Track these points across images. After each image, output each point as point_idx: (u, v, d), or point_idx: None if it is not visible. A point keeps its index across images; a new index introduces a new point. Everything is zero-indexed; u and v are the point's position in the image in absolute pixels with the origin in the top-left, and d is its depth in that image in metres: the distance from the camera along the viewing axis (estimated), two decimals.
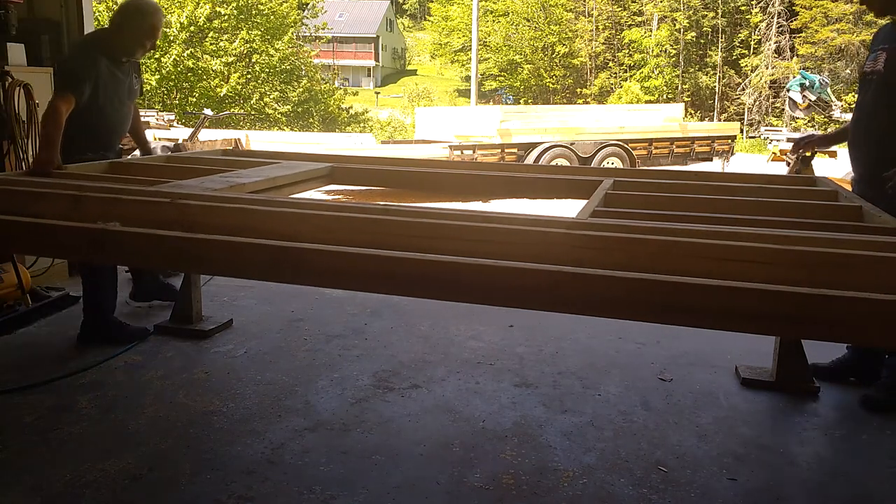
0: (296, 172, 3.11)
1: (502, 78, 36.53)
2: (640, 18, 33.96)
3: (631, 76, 32.91)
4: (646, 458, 2.43)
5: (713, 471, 2.36)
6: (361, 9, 49.43)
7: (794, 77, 18.49)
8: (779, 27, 30.27)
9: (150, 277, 3.92)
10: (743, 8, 32.56)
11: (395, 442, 2.52)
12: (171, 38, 20.11)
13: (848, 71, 25.39)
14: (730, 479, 2.31)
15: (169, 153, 6.82)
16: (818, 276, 1.57)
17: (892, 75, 2.65)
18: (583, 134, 12.24)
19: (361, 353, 3.36)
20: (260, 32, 22.58)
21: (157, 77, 20.31)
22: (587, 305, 1.69)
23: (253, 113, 22.32)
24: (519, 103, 31.03)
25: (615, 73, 34.33)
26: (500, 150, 11.54)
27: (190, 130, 9.94)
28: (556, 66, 35.23)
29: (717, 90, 32.66)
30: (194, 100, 20.80)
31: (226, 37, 21.95)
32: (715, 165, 12.91)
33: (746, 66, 31.69)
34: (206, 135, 10.69)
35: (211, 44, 21.65)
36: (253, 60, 22.70)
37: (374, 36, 48.62)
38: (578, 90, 34.91)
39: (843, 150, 3.24)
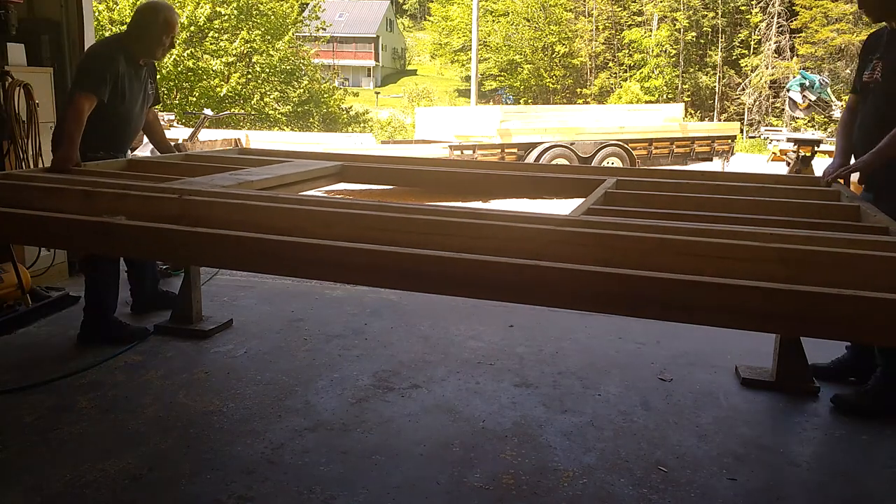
0: (305, 170, 3.14)
1: (502, 78, 36.53)
2: (640, 18, 33.97)
3: (631, 76, 32.92)
4: (646, 458, 2.43)
5: (713, 471, 2.36)
6: (361, 9, 49.42)
7: (794, 77, 18.48)
8: (779, 27, 30.28)
9: (150, 284, 3.90)
10: (743, 8, 32.57)
11: (395, 442, 2.52)
12: None
13: (848, 71, 25.37)
14: (730, 479, 2.31)
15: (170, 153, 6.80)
16: (804, 273, 1.59)
17: (889, 84, 2.68)
18: (583, 134, 12.24)
19: (361, 353, 3.36)
20: (260, 32, 22.57)
21: (158, 77, 20.28)
22: (562, 299, 1.69)
23: (253, 113, 22.32)
24: (519, 103, 31.02)
25: (615, 73, 34.33)
26: (500, 150, 11.55)
27: (190, 130, 9.94)
28: (556, 66, 35.23)
29: (717, 90, 32.67)
30: (194, 100, 20.79)
31: (226, 37, 21.94)
32: (715, 165, 12.91)
33: (746, 66, 31.70)
34: (205, 135, 10.69)
35: (211, 44, 21.65)
36: (253, 60, 22.69)
37: (374, 36, 48.61)
38: (578, 90, 34.91)
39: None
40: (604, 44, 34.86)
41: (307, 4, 26.41)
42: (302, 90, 24.84)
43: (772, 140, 13.52)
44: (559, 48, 34.82)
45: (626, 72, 33.75)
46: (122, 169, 3.14)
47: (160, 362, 3.19)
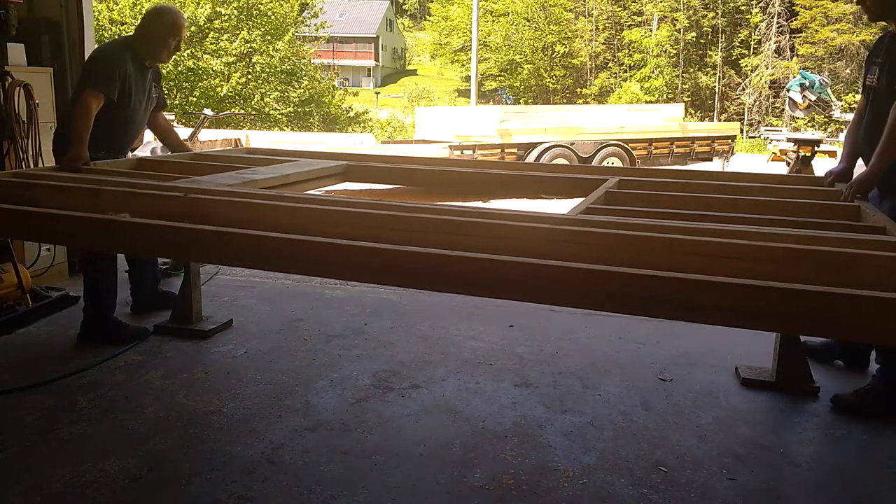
0: (310, 170, 3.19)
1: (502, 78, 36.53)
2: (640, 18, 33.97)
3: (631, 76, 32.92)
4: (646, 458, 2.43)
5: (713, 471, 2.36)
6: (361, 9, 49.42)
7: (794, 77, 18.48)
8: (779, 27, 30.28)
9: (150, 284, 3.91)
10: (743, 8, 32.57)
11: (395, 442, 2.52)
12: None
13: (848, 71, 25.39)
14: (730, 479, 2.31)
15: (169, 153, 6.83)
16: (800, 272, 1.60)
17: (885, 92, 2.71)
18: (583, 134, 12.24)
19: (361, 353, 3.36)
20: (260, 33, 22.57)
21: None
22: (556, 296, 1.71)
23: (253, 113, 22.32)
24: (519, 103, 31.02)
25: (615, 73, 34.33)
26: (500, 150, 11.55)
27: (190, 130, 9.94)
28: (556, 66, 35.24)
29: (717, 90, 32.66)
30: (194, 100, 20.79)
31: (226, 37, 21.94)
32: (715, 165, 12.91)
33: (746, 66, 31.70)
34: (205, 135, 10.69)
35: (211, 44, 21.65)
36: (253, 60, 22.69)
37: (374, 36, 48.61)
38: (578, 90, 34.92)
39: (839, 148, 3.27)
40: (604, 44, 34.86)
41: (307, 4, 26.40)
42: (302, 90, 24.83)
43: (772, 140, 13.51)
44: (559, 48, 34.82)
45: (626, 72, 33.75)
46: (131, 168, 3.21)
47: (160, 362, 3.19)
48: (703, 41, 33.78)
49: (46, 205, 2.25)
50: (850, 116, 10.27)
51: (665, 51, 31.70)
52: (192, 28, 20.74)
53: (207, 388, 2.94)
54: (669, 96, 30.67)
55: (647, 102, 27.46)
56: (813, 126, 21.01)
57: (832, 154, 10.75)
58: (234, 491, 2.18)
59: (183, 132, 11.08)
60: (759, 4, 31.00)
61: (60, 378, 2.98)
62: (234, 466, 2.32)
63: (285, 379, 3.03)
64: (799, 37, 28.82)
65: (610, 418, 2.73)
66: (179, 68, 20.42)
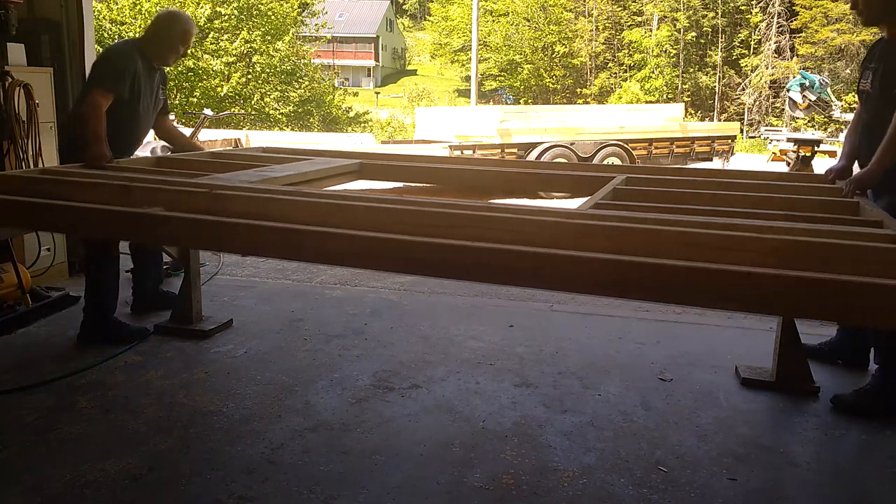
0: (325, 168, 3.29)
1: (502, 78, 36.53)
2: (640, 18, 33.97)
3: (631, 76, 32.91)
4: (646, 458, 2.42)
5: (713, 471, 2.36)
6: (361, 9, 49.42)
7: (794, 77, 18.47)
8: (779, 27, 30.28)
9: (152, 284, 3.91)
10: (743, 8, 32.57)
11: (395, 442, 2.52)
12: None
13: (848, 71, 25.37)
14: (730, 479, 2.31)
15: (169, 153, 6.87)
16: (800, 262, 1.67)
17: (880, 94, 2.78)
18: (583, 134, 12.23)
19: (361, 353, 3.36)
20: (260, 33, 22.57)
21: None
22: (565, 283, 1.80)
23: (253, 113, 22.32)
24: (519, 103, 31.00)
25: (615, 73, 34.33)
26: (500, 150, 11.54)
27: (190, 130, 9.94)
28: (556, 66, 35.24)
29: (717, 90, 32.66)
30: (195, 100, 20.80)
31: (226, 37, 21.95)
32: (715, 165, 12.89)
33: (746, 66, 31.70)
34: (205, 135, 10.68)
35: (211, 44, 21.66)
36: (253, 61, 22.69)
37: (374, 36, 48.62)
38: (578, 90, 34.92)
39: (839, 148, 3.34)
40: (604, 44, 34.86)
41: (307, 4, 26.41)
42: (302, 90, 24.83)
43: (772, 140, 13.51)
44: (559, 48, 34.82)
45: (626, 72, 33.75)
46: (152, 166, 3.32)
47: (160, 362, 3.19)
48: (703, 41, 33.78)
49: (76, 200, 2.36)
50: (849, 116, 10.28)
51: (665, 51, 31.70)
52: None
53: (207, 388, 2.94)
54: (669, 96, 30.67)
55: (647, 102, 27.45)
56: (813, 126, 21.02)
57: (832, 154, 10.75)
58: (234, 491, 2.18)
59: (183, 132, 11.06)
60: (759, 4, 31.00)
61: (60, 378, 2.98)
62: (234, 466, 2.32)
63: (285, 379, 3.03)
64: (799, 37, 28.82)
65: (610, 418, 2.73)
66: (179, 68, 20.41)
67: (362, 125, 28.15)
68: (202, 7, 20.80)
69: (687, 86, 32.73)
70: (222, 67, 21.74)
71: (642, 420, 2.72)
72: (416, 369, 3.17)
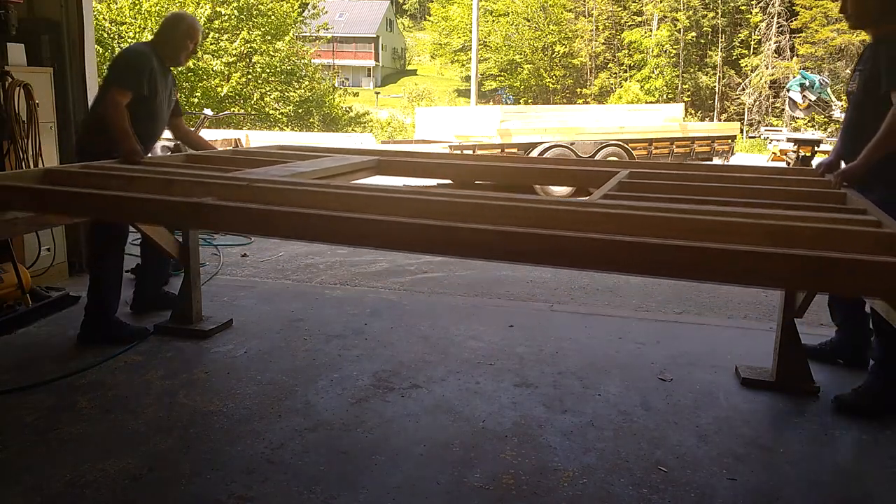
0: (347, 163, 3.44)
1: (502, 78, 36.53)
2: (640, 18, 33.97)
3: (631, 76, 32.92)
4: (646, 458, 2.43)
5: (713, 471, 2.36)
6: (361, 9, 49.42)
7: (794, 77, 18.47)
8: (779, 27, 30.28)
9: (152, 284, 3.91)
10: (743, 8, 32.57)
11: (394, 442, 2.52)
12: None
13: (848, 71, 25.33)
14: (730, 479, 2.31)
15: (169, 153, 6.92)
16: (793, 245, 1.84)
17: (863, 95, 2.89)
18: (583, 134, 12.22)
19: (361, 353, 3.36)
20: (260, 33, 22.58)
21: None
22: (586, 261, 1.96)
23: (253, 113, 22.33)
24: (519, 103, 31.00)
25: (615, 73, 34.34)
26: (500, 150, 11.53)
27: (190, 130, 9.95)
28: (556, 66, 35.24)
29: (717, 90, 32.66)
30: (195, 100, 20.80)
31: (226, 37, 21.95)
32: None
33: (746, 66, 31.70)
34: (205, 135, 10.68)
35: (211, 44, 21.66)
36: (253, 61, 22.69)
37: (374, 36, 48.61)
38: (578, 90, 34.92)
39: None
40: (604, 44, 34.86)
41: (307, 4, 26.41)
42: (303, 90, 24.84)
43: (772, 140, 13.53)
44: (559, 48, 34.82)
45: (626, 72, 33.75)
46: (182, 162, 3.44)
47: (160, 362, 3.19)
48: (703, 41, 33.77)
49: (126, 191, 2.55)
50: None
51: (665, 51, 31.69)
52: None
53: (207, 388, 2.94)
54: (669, 96, 30.68)
55: (647, 102, 27.45)
56: (813, 126, 21.01)
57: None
58: (234, 491, 2.18)
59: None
60: (759, 4, 31.00)
61: (60, 378, 2.98)
62: (234, 466, 2.32)
63: (285, 379, 3.03)
64: (799, 37, 28.82)
65: (610, 418, 2.73)
66: (179, 68, 20.42)
67: (362, 125, 28.15)
68: (202, 7, 20.80)
69: (687, 86, 32.73)
70: (222, 67, 21.74)
71: (642, 420, 2.72)
72: (416, 369, 3.17)
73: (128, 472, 2.27)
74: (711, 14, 32.81)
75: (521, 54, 35.30)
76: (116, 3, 19.86)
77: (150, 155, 3.55)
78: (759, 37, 31.32)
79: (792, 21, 29.52)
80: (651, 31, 32.76)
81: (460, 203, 2.21)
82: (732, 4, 32.79)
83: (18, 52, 4.07)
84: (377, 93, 42.39)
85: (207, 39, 21.53)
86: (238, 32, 22.04)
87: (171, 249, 3.50)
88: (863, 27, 2.98)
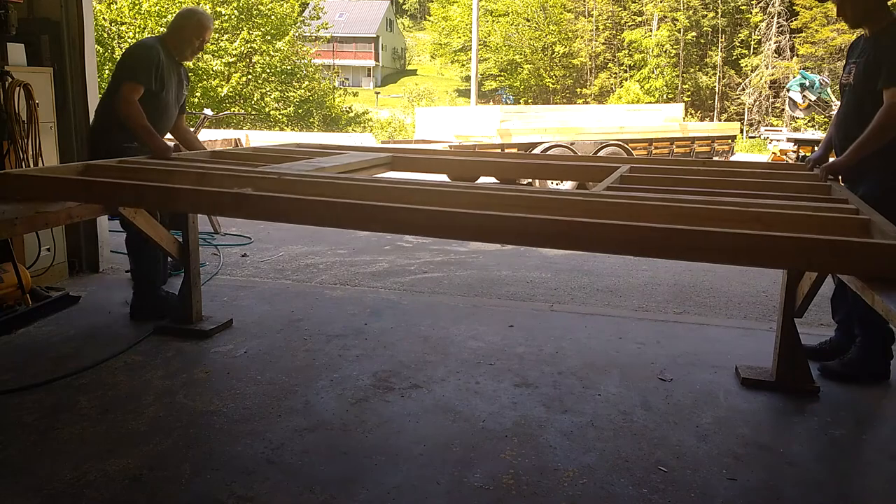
0: (364, 160, 3.59)
1: (502, 78, 36.54)
2: (640, 18, 33.98)
3: (631, 76, 32.91)
4: (646, 458, 2.42)
5: (713, 471, 2.36)
6: (361, 9, 49.42)
7: (794, 77, 18.46)
8: (779, 27, 30.28)
9: (149, 290, 3.85)
10: (743, 8, 32.58)
11: (394, 442, 2.52)
12: None
13: None
14: (730, 479, 2.31)
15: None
16: (779, 228, 2.01)
17: (860, 87, 2.96)
18: (583, 134, 12.23)
19: (361, 353, 3.36)
20: (261, 33, 22.58)
21: None
22: (593, 245, 2.08)
23: (253, 113, 22.33)
24: (519, 103, 31.01)
25: (615, 73, 34.34)
26: (500, 150, 11.54)
27: (189, 129, 9.95)
28: (556, 66, 35.25)
29: (717, 90, 32.67)
30: (195, 100, 20.80)
31: (226, 37, 21.95)
32: None
33: (746, 66, 31.71)
34: (205, 135, 10.70)
35: (211, 44, 21.65)
36: (253, 61, 22.70)
37: (374, 36, 48.61)
38: (578, 90, 34.94)
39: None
40: (604, 44, 34.87)
41: (307, 4, 26.42)
42: (303, 90, 24.84)
43: (772, 140, 13.52)
44: (559, 48, 34.83)
45: (626, 72, 33.75)
46: (208, 158, 3.60)
47: (160, 362, 3.19)
48: (703, 41, 33.79)
49: (164, 183, 2.73)
50: None
51: (665, 51, 31.70)
52: None
53: (207, 388, 2.94)
54: (669, 96, 30.68)
55: (647, 102, 27.45)
56: (813, 126, 21.00)
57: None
58: (234, 491, 2.18)
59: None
60: (759, 4, 31.01)
61: (60, 378, 2.98)
62: (234, 466, 2.32)
63: (285, 379, 3.03)
64: (799, 37, 28.83)
65: (610, 418, 2.73)
66: None
67: (362, 125, 28.16)
68: (202, 7, 20.80)
69: (687, 86, 32.74)
70: (222, 67, 21.74)
71: (642, 420, 2.72)
72: (416, 369, 3.17)
73: (128, 472, 2.26)
74: (711, 14, 32.81)
75: (521, 54, 35.31)
76: (116, 3, 19.86)
77: None
78: (759, 37, 31.33)
79: (792, 21, 29.53)
80: (651, 31, 32.76)
81: (480, 194, 2.41)
82: (732, 4, 32.80)
83: (18, 52, 4.08)
84: (377, 93, 42.38)
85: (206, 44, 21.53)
86: (238, 32, 22.04)
87: (170, 249, 3.51)
88: (861, 24, 3.02)
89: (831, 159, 3.12)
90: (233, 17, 21.71)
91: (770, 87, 29.52)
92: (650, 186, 2.76)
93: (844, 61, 3.23)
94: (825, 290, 3.07)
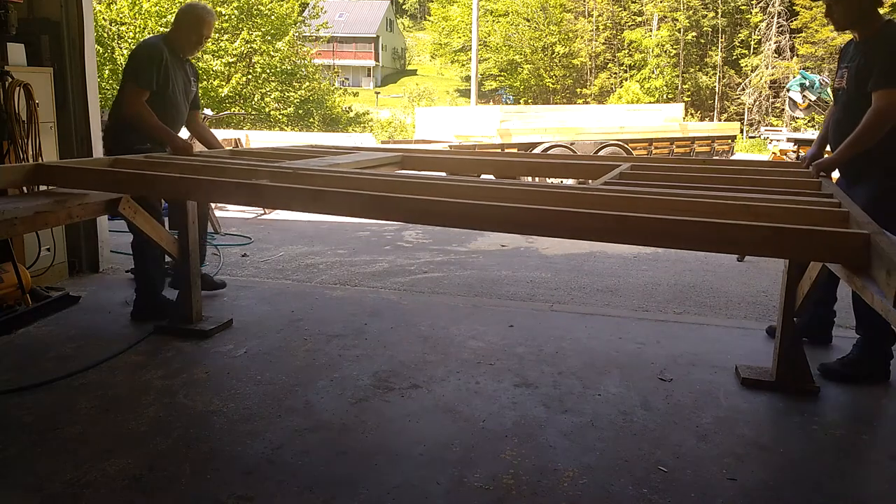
0: (375, 158, 3.72)
1: (502, 78, 36.54)
2: (640, 18, 33.98)
3: (631, 76, 32.92)
4: (646, 458, 2.42)
5: (713, 471, 2.36)
6: (361, 9, 49.42)
7: (794, 77, 18.47)
8: (779, 27, 30.29)
9: (151, 292, 3.84)
10: (743, 8, 32.59)
11: (394, 442, 2.52)
12: None
13: None
14: (730, 479, 2.31)
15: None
16: (771, 220, 2.09)
17: (854, 91, 3.04)
18: (583, 134, 12.24)
19: (361, 353, 3.36)
20: (261, 33, 22.57)
21: None
22: (591, 234, 2.16)
23: (253, 113, 22.32)
24: (519, 103, 31.01)
25: (615, 73, 34.35)
26: (500, 150, 11.53)
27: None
28: (556, 66, 35.26)
29: (717, 90, 32.67)
30: None
31: (226, 37, 21.93)
32: None
33: (746, 66, 31.71)
34: None
35: (212, 44, 21.64)
36: (253, 61, 22.68)
37: (374, 36, 48.61)
38: (578, 90, 34.94)
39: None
40: (604, 44, 34.87)
41: (307, 4, 26.40)
42: (303, 91, 24.83)
43: (772, 140, 13.52)
44: (559, 48, 34.84)
45: (626, 72, 33.76)
46: (228, 155, 3.81)
47: (160, 362, 3.19)
48: (703, 41, 33.79)
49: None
50: None
51: (665, 51, 31.70)
52: None
53: (207, 388, 2.94)
54: (669, 96, 30.69)
55: (647, 102, 27.46)
56: (813, 126, 20.99)
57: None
58: (234, 491, 2.18)
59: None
60: (759, 4, 31.01)
61: (60, 378, 2.98)
62: (234, 466, 2.32)
63: (285, 379, 3.03)
64: (799, 37, 28.83)
65: (610, 418, 2.73)
66: None
67: (362, 125, 28.14)
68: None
69: (687, 86, 32.74)
70: (222, 68, 21.73)
71: (642, 420, 2.72)
72: (416, 369, 3.17)
73: (128, 472, 2.26)
74: (711, 14, 32.82)
75: (521, 54, 35.31)
76: (116, 3, 19.84)
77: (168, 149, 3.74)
78: (759, 37, 31.33)
79: (792, 21, 29.54)
80: (651, 31, 32.76)
81: (491, 188, 2.51)
82: (732, 4, 32.81)
83: (18, 52, 4.07)
84: (377, 93, 42.38)
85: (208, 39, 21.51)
86: (238, 32, 22.02)
87: (170, 249, 3.51)
88: (849, 28, 3.11)
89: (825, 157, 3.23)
90: (233, 17, 21.68)
91: (770, 87, 29.53)
92: (646, 182, 2.84)
93: (837, 66, 3.32)
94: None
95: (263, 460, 2.36)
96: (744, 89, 31.09)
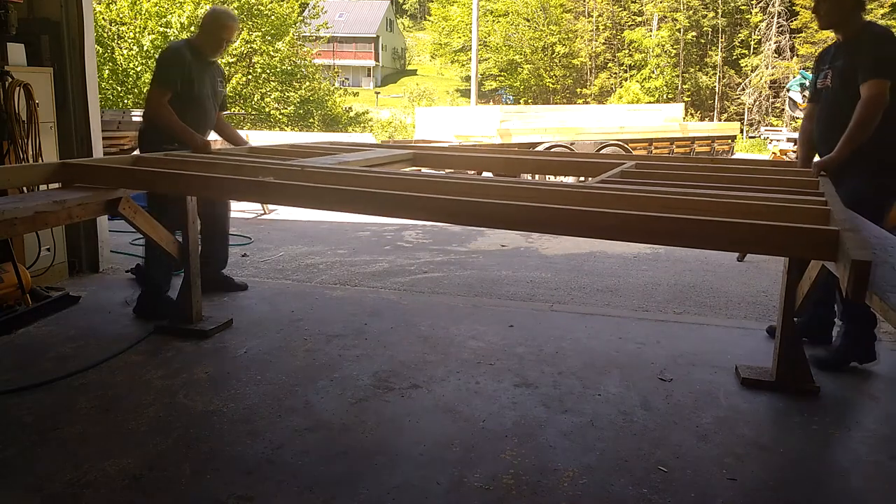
0: (386, 155, 3.78)
1: (502, 78, 36.54)
2: (640, 18, 33.99)
3: (631, 76, 32.92)
4: (646, 458, 2.42)
5: (713, 471, 2.36)
6: (361, 9, 49.43)
7: (794, 77, 18.47)
8: (779, 27, 30.29)
9: (152, 291, 3.85)
10: (743, 8, 32.60)
11: (394, 442, 2.52)
12: (171, 38, 20.11)
13: None
14: (730, 479, 2.31)
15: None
16: (768, 218, 2.16)
17: (840, 91, 3.12)
18: (583, 134, 12.24)
19: (361, 353, 3.36)
20: (261, 33, 22.55)
21: None
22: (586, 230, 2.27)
23: (254, 113, 22.31)
24: (519, 103, 31.01)
25: (615, 73, 34.35)
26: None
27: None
28: (556, 66, 35.26)
29: (717, 90, 32.68)
30: None
31: None
32: None
33: (746, 66, 31.72)
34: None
35: None
36: (253, 61, 22.67)
37: (374, 36, 48.62)
38: (578, 90, 34.94)
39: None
40: (604, 44, 34.88)
41: (307, 4, 26.39)
42: (303, 91, 24.82)
43: (772, 140, 13.53)
44: (559, 48, 34.84)
45: (626, 72, 33.76)
46: (244, 153, 3.89)
47: (160, 362, 3.19)
48: (703, 41, 33.80)
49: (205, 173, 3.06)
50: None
51: (665, 51, 31.71)
52: (193, 28, 20.73)
53: (207, 388, 2.94)
54: (669, 96, 30.69)
55: (647, 102, 27.46)
56: None
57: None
58: (234, 491, 2.18)
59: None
60: (759, 4, 31.02)
61: (60, 378, 2.98)
62: (234, 466, 2.32)
63: (285, 379, 3.03)
64: (799, 37, 28.83)
65: (610, 418, 2.73)
66: None
67: (362, 125, 28.13)
68: (202, 7, 20.78)
69: (687, 86, 32.75)
70: (222, 68, 21.72)
71: (642, 420, 2.72)
72: (416, 369, 3.17)
73: (128, 472, 2.26)
74: (711, 14, 32.83)
75: (521, 54, 35.31)
76: (116, 4, 19.83)
77: None
78: (759, 37, 31.34)
79: (792, 21, 29.54)
80: (651, 31, 32.76)
81: (500, 186, 2.60)
82: (732, 4, 32.82)
83: (18, 52, 4.08)
84: (377, 93, 42.38)
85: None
86: (238, 33, 22.01)
87: (170, 249, 3.51)
88: (832, 27, 3.20)
89: (816, 158, 3.28)
90: None
91: (770, 87, 29.54)
92: (646, 181, 2.89)
93: (815, 68, 3.42)
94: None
95: (263, 460, 2.36)
96: (744, 89, 31.09)
